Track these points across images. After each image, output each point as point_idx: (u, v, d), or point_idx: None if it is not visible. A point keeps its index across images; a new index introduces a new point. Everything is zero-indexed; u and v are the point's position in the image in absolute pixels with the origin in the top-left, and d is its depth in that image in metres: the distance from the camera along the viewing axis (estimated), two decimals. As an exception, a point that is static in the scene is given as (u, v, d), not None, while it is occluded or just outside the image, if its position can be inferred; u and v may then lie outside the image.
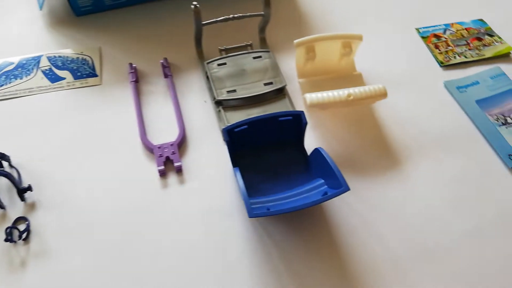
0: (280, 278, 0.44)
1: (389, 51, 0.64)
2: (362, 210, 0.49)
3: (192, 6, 0.54)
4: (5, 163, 0.49)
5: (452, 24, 0.69)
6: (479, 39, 0.67)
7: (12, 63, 0.60)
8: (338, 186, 0.44)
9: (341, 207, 0.49)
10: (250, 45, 0.61)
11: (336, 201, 0.49)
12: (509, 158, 0.53)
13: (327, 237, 0.47)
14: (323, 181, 0.48)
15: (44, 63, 0.60)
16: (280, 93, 0.57)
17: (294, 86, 0.59)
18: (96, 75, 0.59)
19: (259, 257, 0.45)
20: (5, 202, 0.48)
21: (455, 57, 0.64)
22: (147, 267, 0.44)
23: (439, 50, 0.65)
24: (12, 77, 0.58)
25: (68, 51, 0.62)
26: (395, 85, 0.59)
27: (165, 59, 0.60)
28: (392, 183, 0.51)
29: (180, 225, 0.47)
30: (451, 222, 0.49)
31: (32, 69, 0.59)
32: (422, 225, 0.48)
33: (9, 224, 0.46)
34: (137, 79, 0.58)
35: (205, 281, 0.44)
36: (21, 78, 0.58)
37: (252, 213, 0.41)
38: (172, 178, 0.51)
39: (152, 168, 0.51)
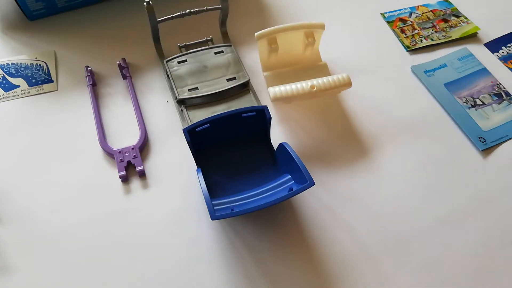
0: (252, 278, 0.43)
1: (355, 39, 0.63)
2: (332, 204, 0.48)
3: (145, 3, 0.52)
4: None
5: (418, 6, 0.68)
6: (446, 20, 0.66)
7: (-38, 74, 0.57)
8: (304, 181, 0.42)
9: (310, 202, 0.48)
10: (211, 40, 0.59)
11: (305, 195, 0.48)
12: (480, 140, 0.53)
13: (298, 233, 0.46)
14: (290, 176, 0.46)
15: (-4, 72, 0.57)
16: (244, 88, 0.55)
17: (259, 80, 0.58)
18: (51, 81, 0.57)
19: (230, 259, 0.44)
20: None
21: (421, 40, 0.63)
22: (114, 277, 0.43)
23: (405, 34, 0.64)
24: (-38, 88, 0.56)
25: (21, 58, 0.59)
26: (362, 73, 0.58)
27: (123, 59, 0.57)
28: (361, 174, 0.50)
29: (146, 231, 0.45)
30: (422, 209, 0.48)
31: (-17, 78, 0.57)
32: (393, 214, 0.47)
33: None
34: (94, 82, 0.56)
35: (175, 285, 0.42)
36: (-29, 89, 0.55)
37: (214, 215, 0.40)
38: (135, 183, 0.49)
39: (113, 174, 0.49)
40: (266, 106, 0.48)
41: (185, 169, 0.50)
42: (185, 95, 0.53)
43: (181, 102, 0.54)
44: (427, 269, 0.44)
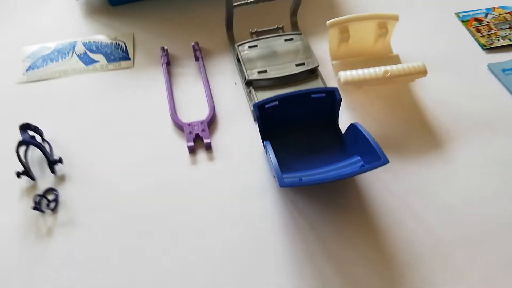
0: (314, 256, 0.42)
1: (427, 34, 0.62)
2: (400, 191, 0.46)
3: (224, -13, 0.54)
4: (38, 137, 0.49)
5: (494, 8, 0.65)
6: (525, 22, 0.63)
7: (50, 48, 0.61)
8: (376, 160, 0.41)
9: (377, 187, 0.46)
10: (281, 28, 0.60)
11: (372, 180, 0.47)
12: None
13: (363, 217, 0.44)
14: (359, 158, 0.45)
15: (79, 48, 0.61)
16: (313, 74, 0.56)
17: (327, 69, 0.58)
18: (129, 59, 0.60)
19: (292, 236, 0.43)
20: (36, 174, 0.48)
21: (498, 40, 0.60)
22: (173, 243, 0.43)
23: (481, 34, 0.62)
24: (49, 60, 0.60)
25: (102, 37, 0.63)
26: (435, 67, 0.56)
27: (196, 43, 0.60)
28: (432, 165, 0.48)
29: (208, 202, 0.46)
30: (497, 206, 0.45)
31: (68, 53, 0.61)
32: (467, 208, 0.45)
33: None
34: (168, 62, 0.58)
35: (235, 260, 0.42)
36: (57, 61, 0.60)
37: (283, 182, 0.39)
38: (202, 155, 0.49)
39: (182, 145, 0.50)
40: (336, 88, 0.48)
41: (249, 146, 0.50)
42: (254, 76, 0.54)
43: (249, 84, 0.55)
44: (502, 266, 0.41)
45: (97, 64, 0.59)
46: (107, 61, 0.60)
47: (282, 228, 0.44)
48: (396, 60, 0.57)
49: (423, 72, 0.50)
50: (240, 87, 0.56)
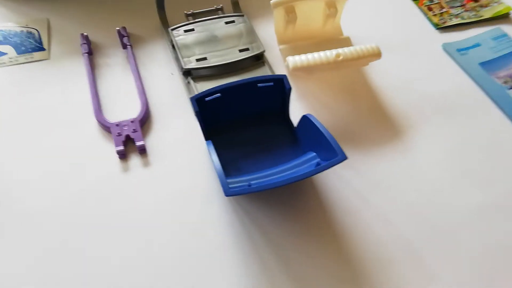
0: (269, 269, 0.36)
1: (378, 14, 0.58)
2: (360, 186, 0.42)
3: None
4: None
5: (445, -15, 0.62)
6: (476, 0, 0.60)
7: None
8: (333, 156, 0.36)
9: (336, 184, 0.42)
10: (221, 9, 0.53)
11: (330, 177, 0.42)
12: (522, 122, 0.47)
13: (323, 220, 0.39)
14: (314, 154, 0.40)
15: (-19, 38, 0.51)
16: (259, 60, 0.50)
17: (274, 54, 0.52)
18: (43, 49, 0.51)
19: (244, 247, 0.37)
20: None
21: (451, 19, 0.58)
22: (103, 263, 0.36)
23: (433, 12, 0.58)
24: None
25: (10, 25, 0.53)
26: (388, 49, 0.52)
27: (123, 28, 0.52)
28: (392, 155, 0.44)
29: (145, 215, 0.39)
30: (462, 195, 0.42)
31: (-34, 44, 0.50)
32: (430, 200, 0.41)
33: None
34: (91, 51, 0.50)
35: (178, 277, 0.35)
36: (-49, 55, 0.49)
37: (228, 191, 0.33)
38: (134, 160, 0.42)
39: (110, 150, 0.43)
40: (285, 75, 0.42)
41: (192, 146, 0.44)
42: (192, 65, 0.47)
43: (187, 73, 0.48)
44: (475, 262, 0.38)
45: (4, 57, 0.50)
46: (17, 53, 0.50)
47: (233, 238, 0.38)
48: (347, 42, 0.52)
49: (377, 55, 0.45)
50: (178, 78, 0.49)
